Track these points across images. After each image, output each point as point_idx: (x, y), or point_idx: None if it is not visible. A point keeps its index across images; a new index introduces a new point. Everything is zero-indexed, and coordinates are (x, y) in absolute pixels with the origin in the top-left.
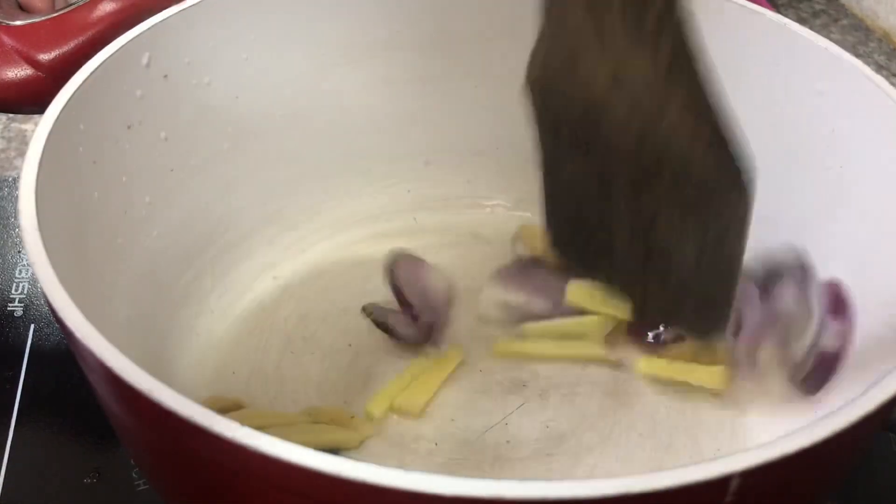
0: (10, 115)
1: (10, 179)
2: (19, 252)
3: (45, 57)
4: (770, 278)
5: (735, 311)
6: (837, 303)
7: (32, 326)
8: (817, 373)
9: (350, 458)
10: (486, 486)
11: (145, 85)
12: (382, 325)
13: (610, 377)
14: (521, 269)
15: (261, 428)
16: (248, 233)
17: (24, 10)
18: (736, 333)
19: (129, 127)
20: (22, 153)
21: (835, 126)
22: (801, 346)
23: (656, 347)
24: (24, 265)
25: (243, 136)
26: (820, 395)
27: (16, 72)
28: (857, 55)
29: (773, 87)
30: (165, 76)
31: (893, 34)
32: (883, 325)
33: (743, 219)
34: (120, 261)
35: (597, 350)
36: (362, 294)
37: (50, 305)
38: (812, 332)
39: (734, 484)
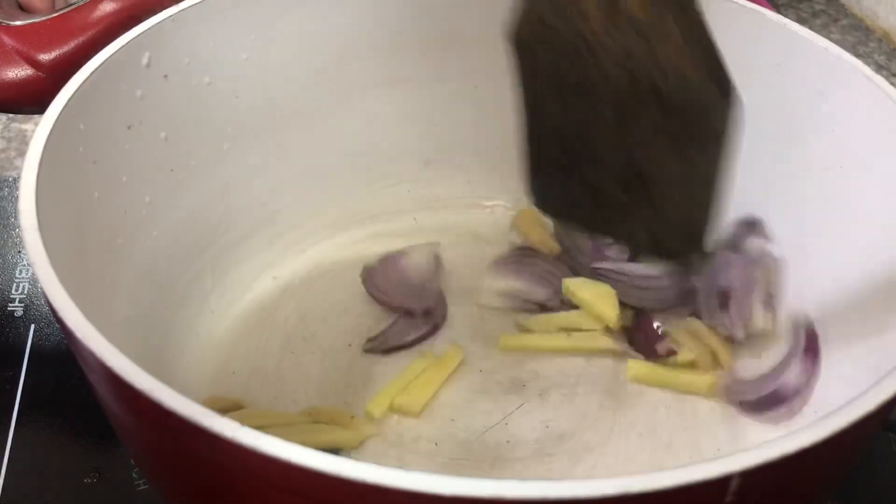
0: (10, 115)
1: (10, 179)
2: (19, 252)
3: (45, 57)
4: (738, 237)
5: (719, 286)
6: (812, 348)
7: (33, 326)
8: (766, 400)
9: (350, 458)
10: (486, 486)
11: (145, 85)
12: (391, 350)
13: (610, 377)
14: (519, 258)
15: (261, 428)
16: (248, 233)
17: (24, 10)
18: (724, 307)
19: (129, 127)
20: (22, 153)
21: (835, 126)
22: (757, 370)
23: (650, 355)
24: (24, 265)
25: (243, 136)
26: (754, 419)
27: (16, 72)
28: (857, 55)
29: (773, 87)
30: (165, 76)
31: (893, 34)
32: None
33: (727, 141)
34: (120, 261)
35: (601, 342)
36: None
37: (50, 305)
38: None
39: (734, 484)
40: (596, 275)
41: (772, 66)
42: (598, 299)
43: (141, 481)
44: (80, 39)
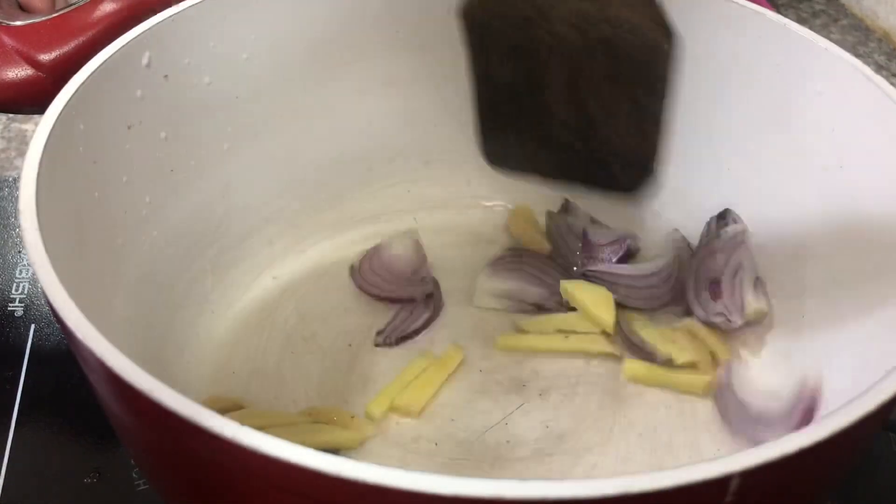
0: (10, 115)
1: (10, 179)
2: (19, 252)
3: (45, 57)
4: (714, 230)
5: (707, 278)
6: (811, 410)
7: (33, 326)
8: (755, 421)
9: (350, 458)
10: (486, 486)
11: (145, 85)
12: (401, 340)
13: (610, 377)
14: (514, 258)
15: (261, 428)
16: (248, 233)
17: (24, 10)
18: (717, 296)
19: (129, 127)
20: (22, 153)
21: (835, 126)
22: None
23: (647, 357)
24: (24, 265)
25: (243, 136)
26: (736, 433)
27: (16, 72)
28: (857, 55)
29: (773, 87)
30: (165, 76)
31: (893, 34)
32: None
33: (671, 78)
34: (120, 261)
35: (599, 345)
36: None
37: (50, 305)
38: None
39: (734, 484)
40: (588, 278)
41: (772, 66)
42: (595, 303)
43: (141, 481)
44: (80, 39)
